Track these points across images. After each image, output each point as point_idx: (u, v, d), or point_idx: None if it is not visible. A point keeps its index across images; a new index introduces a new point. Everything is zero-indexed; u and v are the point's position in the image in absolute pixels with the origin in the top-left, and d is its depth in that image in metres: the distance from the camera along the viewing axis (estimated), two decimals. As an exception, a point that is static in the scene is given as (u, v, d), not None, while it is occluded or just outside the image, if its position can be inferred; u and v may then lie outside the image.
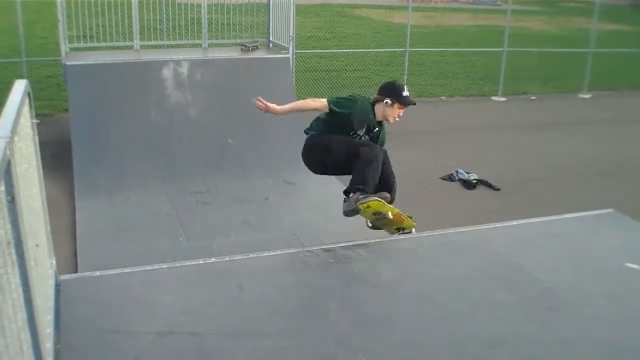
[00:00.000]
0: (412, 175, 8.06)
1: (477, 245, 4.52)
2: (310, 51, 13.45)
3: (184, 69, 8.37)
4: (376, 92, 4.97)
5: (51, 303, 3.19)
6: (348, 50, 14.71)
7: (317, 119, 5.03)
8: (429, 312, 3.62)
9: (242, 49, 9.49)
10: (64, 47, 8.61)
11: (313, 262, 4.18)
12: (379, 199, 4.66)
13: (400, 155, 8.36)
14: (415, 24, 14.87)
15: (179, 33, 10.08)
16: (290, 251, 4.43)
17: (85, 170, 7.19)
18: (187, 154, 7.76)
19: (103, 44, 9.31)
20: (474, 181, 7.99)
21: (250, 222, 6.54)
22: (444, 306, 3.66)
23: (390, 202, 4.78)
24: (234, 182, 7.49)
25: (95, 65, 8.29)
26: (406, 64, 12.53)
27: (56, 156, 7.35)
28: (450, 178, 8.17)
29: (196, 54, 9.32)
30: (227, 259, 4.13)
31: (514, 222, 4.95)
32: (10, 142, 2.21)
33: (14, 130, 2.34)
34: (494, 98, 13.48)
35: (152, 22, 10.05)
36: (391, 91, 4.87)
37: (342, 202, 4.82)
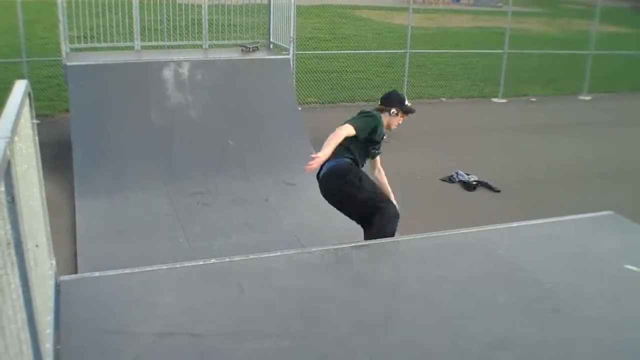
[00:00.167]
0: (413, 177, 8.07)
1: (478, 247, 4.52)
2: (310, 52, 13.47)
3: (185, 70, 8.37)
4: (379, 102, 5.14)
5: (51, 304, 3.18)
6: (348, 52, 14.72)
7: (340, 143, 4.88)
8: (430, 313, 3.62)
9: (242, 50, 9.50)
10: (64, 47, 8.61)
11: (313, 263, 4.17)
12: None
13: (400, 157, 8.41)
14: (416, 26, 14.88)
15: (179, 34, 10.09)
16: (290, 252, 4.42)
17: (86, 170, 7.19)
18: (188, 154, 7.76)
19: (104, 45, 9.32)
20: (474, 183, 7.99)
21: (250, 223, 6.54)
22: (445, 307, 3.66)
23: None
24: (234, 183, 7.50)
25: (96, 66, 8.30)
26: (407, 66, 12.54)
27: (56, 156, 7.35)
28: (450, 180, 8.17)
29: (197, 55, 9.33)
30: (227, 259, 4.13)
31: (515, 224, 4.95)
32: (11, 142, 2.21)
33: (14, 130, 2.34)
34: (495, 100, 13.49)
35: (152, 23, 10.06)
36: (396, 101, 5.10)
37: None
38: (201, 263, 4.10)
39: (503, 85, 13.50)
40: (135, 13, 9.27)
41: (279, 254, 4.28)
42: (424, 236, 4.77)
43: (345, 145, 4.82)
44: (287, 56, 9.24)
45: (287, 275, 3.98)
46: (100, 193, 6.94)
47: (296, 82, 10.75)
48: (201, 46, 9.95)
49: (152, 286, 3.75)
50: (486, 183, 8.00)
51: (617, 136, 10.86)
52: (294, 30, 9.30)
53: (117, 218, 6.54)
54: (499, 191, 7.84)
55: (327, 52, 14.58)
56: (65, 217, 6.36)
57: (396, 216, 4.83)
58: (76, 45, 9.08)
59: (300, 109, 9.94)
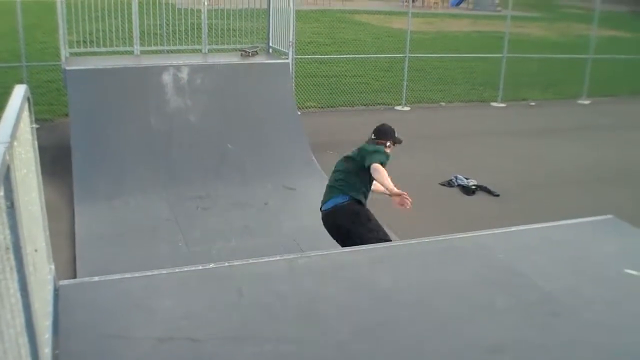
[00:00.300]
0: (412, 181, 8.05)
1: (477, 251, 4.51)
2: (310, 56, 13.48)
3: (184, 74, 8.38)
4: (374, 135, 5.33)
5: (50, 308, 3.18)
6: (348, 56, 14.74)
7: (348, 175, 5.07)
8: (429, 317, 3.61)
9: (242, 54, 9.51)
10: (64, 51, 8.62)
11: (313, 268, 4.17)
12: None
13: (399, 161, 8.37)
14: (415, 30, 14.91)
15: (179, 38, 10.10)
16: (289, 257, 4.42)
17: (85, 175, 7.19)
18: (187, 159, 7.76)
19: (103, 49, 9.33)
20: (473, 187, 7.99)
21: (249, 228, 6.54)
22: (444, 311, 3.66)
23: None
24: (233, 187, 7.50)
25: (95, 70, 8.31)
26: (406, 70, 12.55)
27: (56, 161, 7.35)
28: (449, 184, 8.18)
29: (196, 59, 9.34)
30: (227, 264, 4.12)
31: (514, 228, 4.94)
32: (10, 147, 2.21)
33: (13, 135, 2.34)
34: (494, 104, 13.50)
35: (152, 27, 10.07)
36: (390, 134, 5.33)
37: None
38: (200, 267, 4.09)
39: (502, 90, 13.51)
40: (135, 18, 9.29)
41: (278, 258, 4.28)
42: (423, 241, 4.76)
43: (353, 182, 4.98)
44: (287, 60, 9.26)
45: (287, 280, 3.97)
46: (100, 197, 6.94)
47: (295, 86, 10.76)
48: (200, 50, 9.96)
49: (151, 291, 3.75)
50: (485, 187, 8.00)
51: (616, 140, 10.86)
52: (293, 35, 9.31)
53: (117, 222, 6.54)
54: (498, 195, 7.85)
55: (326, 56, 14.59)
56: (65, 222, 6.36)
57: None
58: (76, 49, 9.09)
59: (299, 113, 9.95)
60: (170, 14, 10.32)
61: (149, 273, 3.95)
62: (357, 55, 14.76)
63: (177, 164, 7.69)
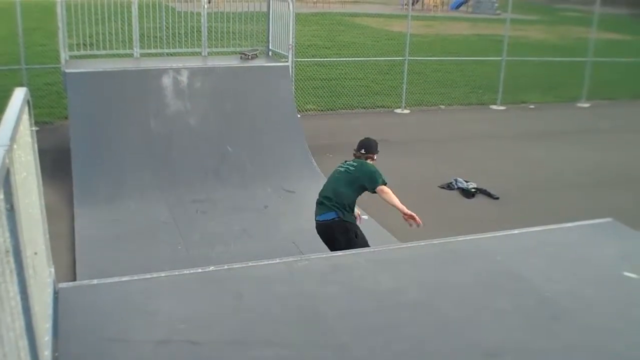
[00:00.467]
0: (412, 183, 8.06)
1: (477, 254, 4.51)
2: (309, 59, 13.50)
3: (184, 77, 8.38)
4: (364, 150, 5.43)
5: (49, 311, 3.18)
6: (347, 59, 14.75)
7: (345, 192, 5.22)
8: (429, 320, 3.61)
9: (241, 58, 9.52)
10: (63, 54, 8.63)
11: (312, 271, 4.17)
12: None
13: (399, 164, 8.41)
14: (415, 33, 14.91)
15: (178, 41, 10.11)
16: (289, 259, 4.42)
17: (85, 178, 7.19)
18: (187, 162, 7.76)
19: (103, 52, 9.34)
20: (473, 190, 7.99)
21: (249, 231, 6.53)
22: (444, 314, 3.66)
23: None
24: (233, 190, 7.49)
25: (95, 73, 8.31)
26: (405, 73, 12.56)
27: (55, 164, 7.35)
28: (449, 187, 8.17)
29: (196, 62, 9.34)
30: (226, 267, 4.12)
31: (514, 231, 4.95)
32: (10, 150, 2.21)
33: (13, 138, 2.34)
34: (493, 107, 13.51)
35: (152, 30, 10.08)
36: (376, 147, 5.48)
37: None
38: (200, 270, 4.10)
39: (502, 93, 13.51)
40: (135, 21, 9.29)
41: (277, 261, 4.28)
42: (423, 244, 4.76)
43: (348, 203, 5.18)
44: (286, 63, 9.26)
45: (286, 283, 3.97)
46: (100, 200, 6.94)
47: (295, 89, 10.77)
48: (200, 54, 9.97)
49: (151, 294, 3.75)
50: (485, 190, 8.00)
51: (616, 143, 10.86)
52: (293, 38, 9.32)
53: (116, 225, 6.54)
54: (497, 198, 7.84)
55: (326, 59, 14.61)
56: (64, 225, 6.35)
57: None
58: (75, 52, 9.09)
59: (299, 116, 9.95)
60: (170, 17, 10.33)
61: (149, 276, 3.95)
62: (356, 58, 14.77)
63: (177, 167, 7.68)
